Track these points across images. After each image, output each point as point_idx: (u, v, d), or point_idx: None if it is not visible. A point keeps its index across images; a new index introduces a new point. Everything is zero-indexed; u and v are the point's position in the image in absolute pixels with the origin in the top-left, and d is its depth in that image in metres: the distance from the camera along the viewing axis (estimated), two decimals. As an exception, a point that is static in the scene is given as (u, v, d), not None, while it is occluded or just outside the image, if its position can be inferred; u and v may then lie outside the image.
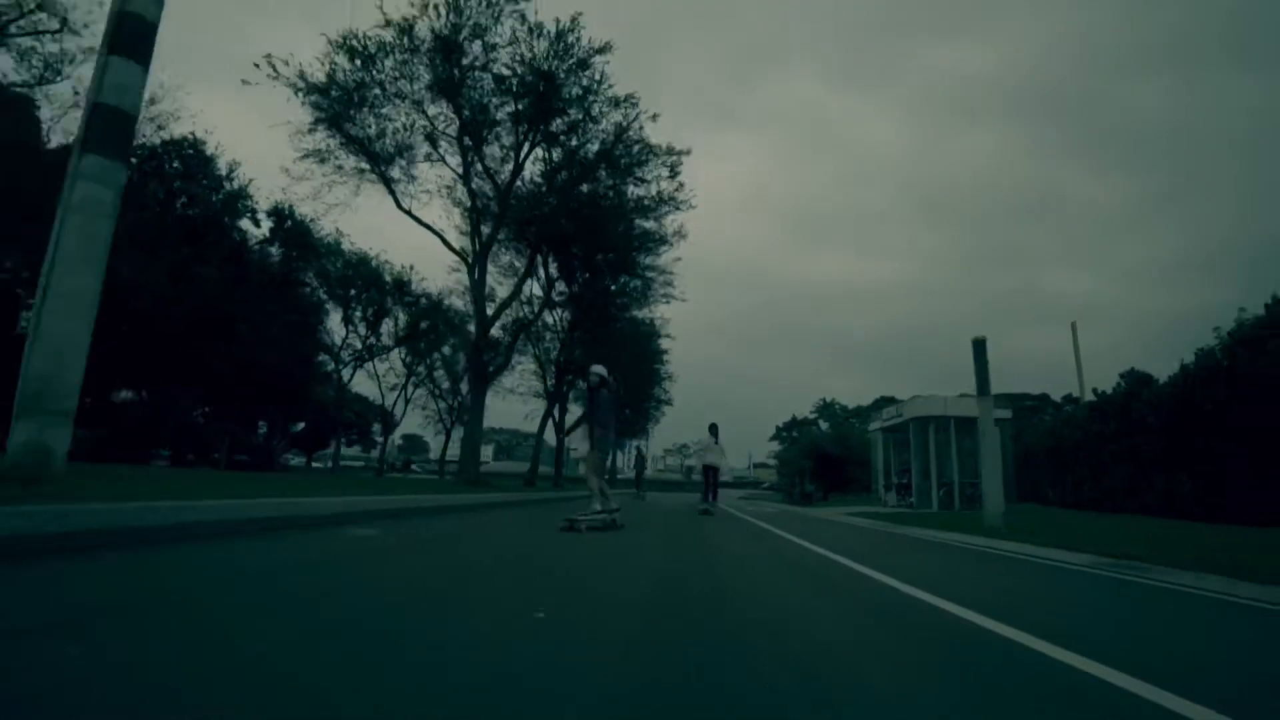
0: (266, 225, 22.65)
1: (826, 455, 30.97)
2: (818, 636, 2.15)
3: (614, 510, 6.53)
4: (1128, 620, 2.87)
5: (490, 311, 17.68)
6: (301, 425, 37.08)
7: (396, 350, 29.43)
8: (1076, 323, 20.50)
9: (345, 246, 24.87)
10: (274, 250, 23.39)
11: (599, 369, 7.09)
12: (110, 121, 4.64)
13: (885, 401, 67.95)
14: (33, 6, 11.52)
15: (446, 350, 32.26)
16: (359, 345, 27.94)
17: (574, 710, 1.30)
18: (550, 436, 28.09)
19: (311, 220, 21.73)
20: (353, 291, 26.02)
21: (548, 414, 26.91)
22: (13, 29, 11.29)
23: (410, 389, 32.39)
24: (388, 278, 26.47)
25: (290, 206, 22.00)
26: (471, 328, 27.43)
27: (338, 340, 27.09)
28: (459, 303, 25.92)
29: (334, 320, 26.95)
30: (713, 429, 12.39)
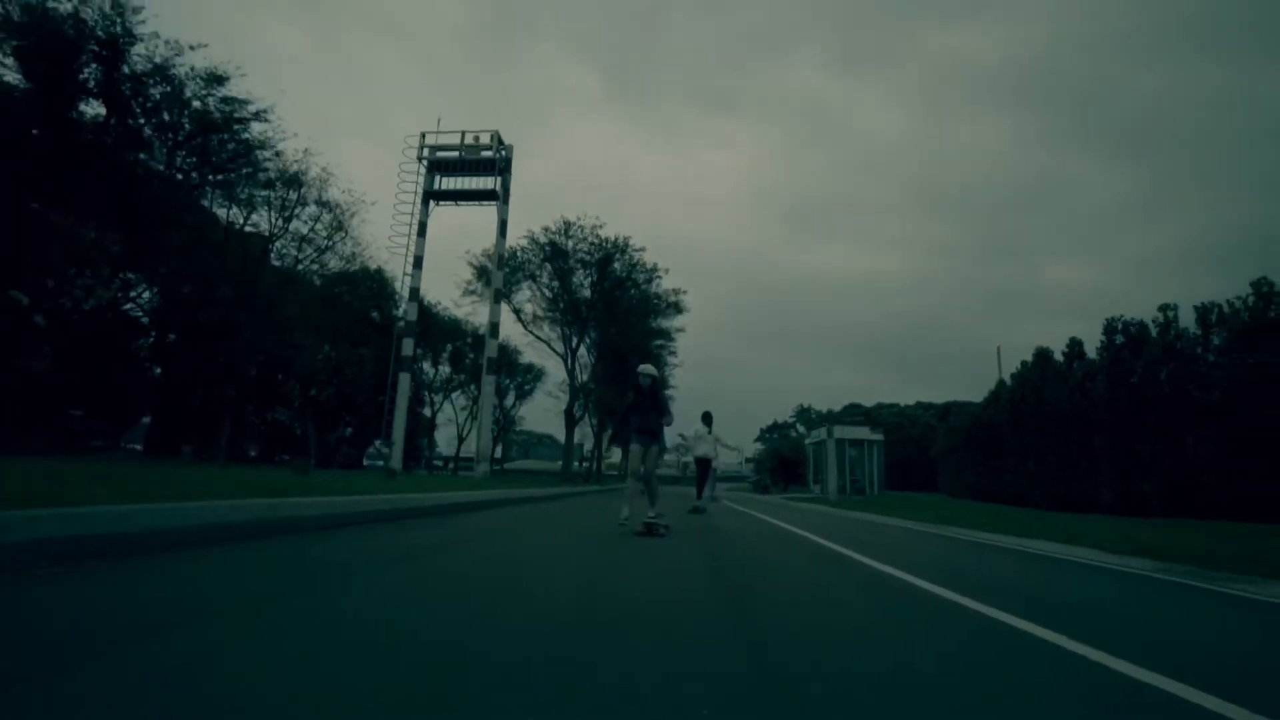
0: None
1: (784, 458, 39.28)
2: (728, 524, 9.68)
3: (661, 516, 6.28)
4: (836, 524, 10.22)
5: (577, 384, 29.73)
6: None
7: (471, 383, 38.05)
8: (1000, 347, 28.59)
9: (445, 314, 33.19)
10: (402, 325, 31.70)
11: (649, 368, 6.52)
12: (491, 361, 12.23)
13: (853, 408, 75.85)
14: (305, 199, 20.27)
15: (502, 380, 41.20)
16: (441, 382, 36.52)
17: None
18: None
19: (437, 305, 31.52)
20: (446, 346, 34.20)
21: (597, 441, 38.48)
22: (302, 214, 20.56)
23: (475, 409, 40.92)
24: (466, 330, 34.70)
25: (423, 296, 30.89)
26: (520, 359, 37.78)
27: (430, 376, 35.43)
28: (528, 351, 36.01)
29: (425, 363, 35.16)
30: (706, 417, 11.32)
